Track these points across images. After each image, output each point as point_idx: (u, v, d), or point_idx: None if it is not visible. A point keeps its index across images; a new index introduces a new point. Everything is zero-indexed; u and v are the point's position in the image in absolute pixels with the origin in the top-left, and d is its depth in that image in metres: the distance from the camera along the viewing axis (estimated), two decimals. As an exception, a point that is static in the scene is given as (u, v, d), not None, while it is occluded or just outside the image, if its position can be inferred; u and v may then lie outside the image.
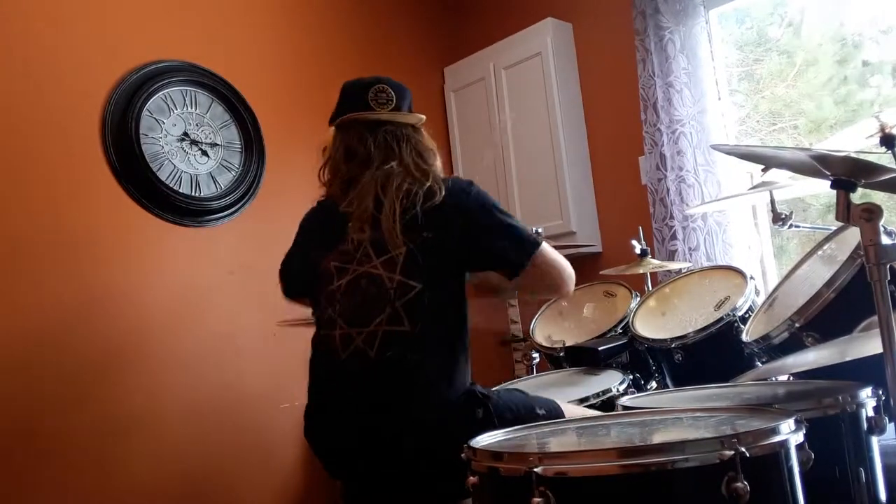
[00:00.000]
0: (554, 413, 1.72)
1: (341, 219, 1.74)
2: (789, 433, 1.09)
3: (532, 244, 1.72)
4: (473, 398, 1.64)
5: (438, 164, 1.83)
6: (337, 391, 1.69)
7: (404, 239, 1.65)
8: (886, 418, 1.35)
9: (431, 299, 1.64)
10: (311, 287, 1.79)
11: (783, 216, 2.13)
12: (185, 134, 2.96)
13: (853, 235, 1.70)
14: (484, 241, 1.70)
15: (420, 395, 1.62)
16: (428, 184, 1.70)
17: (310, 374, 1.78)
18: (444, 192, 1.69)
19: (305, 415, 1.77)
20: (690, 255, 2.97)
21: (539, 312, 2.70)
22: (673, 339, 2.09)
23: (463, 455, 1.19)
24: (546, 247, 1.75)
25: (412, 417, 1.60)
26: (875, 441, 1.36)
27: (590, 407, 1.98)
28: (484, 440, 1.27)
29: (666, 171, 3.06)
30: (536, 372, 2.61)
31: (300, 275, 1.87)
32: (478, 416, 1.61)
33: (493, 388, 1.77)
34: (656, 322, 2.28)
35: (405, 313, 1.62)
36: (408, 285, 1.64)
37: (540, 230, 2.85)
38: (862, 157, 1.32)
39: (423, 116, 1.87)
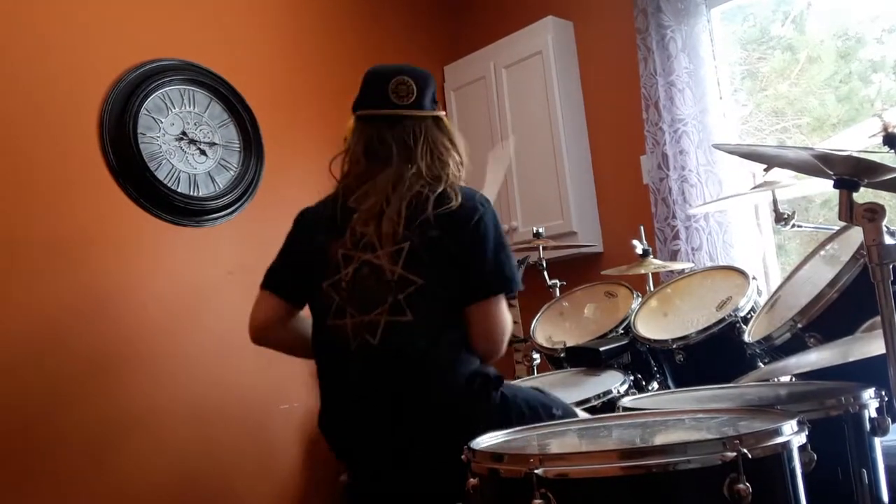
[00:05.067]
0: (569, 416, 1.71)
1: (349, 211, 1.74)
2: (792, 434, 1.08)
3: (508, 284, 1.72)
4: (488, 381, 1.63)
5: (456, 157, 1.84)
6: (348, 380, 1.68)
7: (408, 234, 1.65)
8: (889, 419, 1.35)
9: (432, 294, 1.64)
10: (311, 274, 1.75)
11: (785, 216, 2.13)
12: (184, 133, 2.95)
13: (856, 235, 1.69)
14: (477, 257, 1.69)
15: (431, 381, 1.61)
16: (441, 188, 1.71)
17: (318, 364, 1.76)
18: (459, 199, 1.69)
19: (320, 407, 1.76)
20: (693, 255, 2.96)
21: (540, 313, 2.69)
22: (674, 340, 2.09)
23: (463, 456, 1.18)
24: (506, 304, 1.74)
25: (426, 404, 1.60)
26: (878, 442, 1.35)
27: (590, 409, 1.97)
28: (484, 441, 1.26)
29: (668, 170, 3.05)
30: (537, 373, 2.61)
31: (291, 266, 1.84)
32: (494, 399, 1.61)
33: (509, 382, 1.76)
34: (658, 322, 2.27)
35: (406, 305, 1.62)
36: (408, 279, 1.63)
37: (541, 230, 2.87)
38: (865, 156, 1.31)
39: (444, 111, 1.88)
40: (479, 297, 1.69)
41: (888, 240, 1.23)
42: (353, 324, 1.65)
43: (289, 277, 1.84)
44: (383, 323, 1.62)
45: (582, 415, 1.77)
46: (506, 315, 1.74)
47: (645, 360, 2.26)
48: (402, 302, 1.62)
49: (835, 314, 1.65)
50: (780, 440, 1.06)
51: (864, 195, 1.27)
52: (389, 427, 1.62)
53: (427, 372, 1.61)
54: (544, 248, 2.87)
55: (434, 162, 1.78)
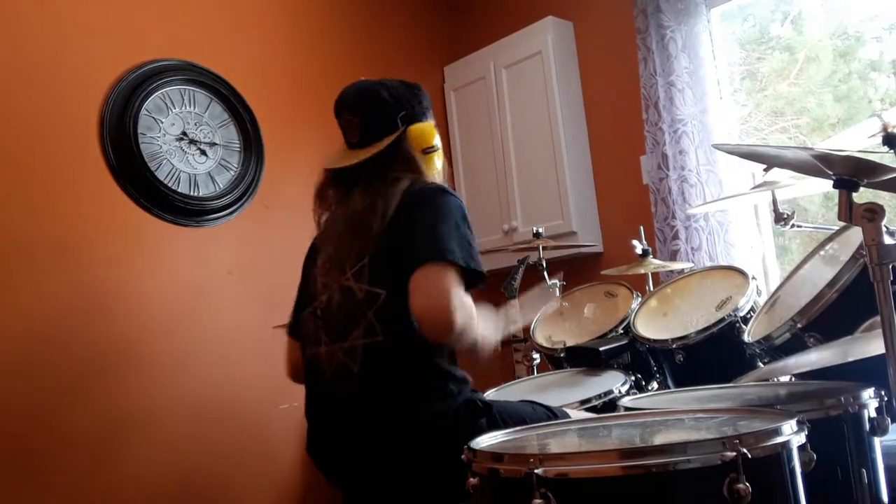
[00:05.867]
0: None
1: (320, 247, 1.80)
2: (791, 434, 1.08)
3: (444, 253, 1.54)
4: (474, 408, 1.61)
5: (412, 177, 1.75)
6: (328, 409, 1.69)
7: (366, 250, 1.64)
8: (889, 419, 1.35)
9: (399, 305, 1.57)
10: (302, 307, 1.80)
11: (785, 216, 2.13)
12: (184, 133, 2.96)
13: (855, 235, 1.69)
14: (413, 231, 1.62)
15: (414, 408, 1.59)
16: (384, 205, 1.68)
17: (305, 392, 1.78)
18: (398, 200, 1.66)
19: (307, 431, 1.77)
20: (693, 255, 2.96)
21: (540, 313, 2.68)
22: (674, 340, 2.09)
23: (463, 456, 1.18)
24: (455, 276, 1.54)
25: (410, 432, 1.58)
26: (877, 442, 1.35)
27: (590, 409, 1.97)
28: (484, 441, 1.26)
29: (668, 170, 3.05)
30: (537, 373, 2.61)
31: (297, 305, 1.86)
32: (482, 426, 1.59)
33: (490, 395, 1.75)
34: (658, 322, 2.27)
35: (378, 323, 1.60)
36: (374, 293, 1.62)
37: (541, 230, 2.87)
38: (864, 156, 1.31)
39: (382, 143, 1.74)
40: (412, 266, 1.54)
41: (888, 240, 1.23)
42: (328, 352, 1.66)
43: (297, 318, 1.88)
44: (361, 348, 1.61)
45: (574, 414, 1.75)
46: (449, 289, 1.52)
47: (645, 360, 2.26)
48: (374, 320, 1.61)
49: (834, 314, 1.65)
50: (779, 440, 1.06)
51: (863, 195, 1.28)
52: (378, 454, 1.61)
53: (408, 401, 1.59)
54: (544, 248, 2.87)
55: (378, 197, 1.70)
